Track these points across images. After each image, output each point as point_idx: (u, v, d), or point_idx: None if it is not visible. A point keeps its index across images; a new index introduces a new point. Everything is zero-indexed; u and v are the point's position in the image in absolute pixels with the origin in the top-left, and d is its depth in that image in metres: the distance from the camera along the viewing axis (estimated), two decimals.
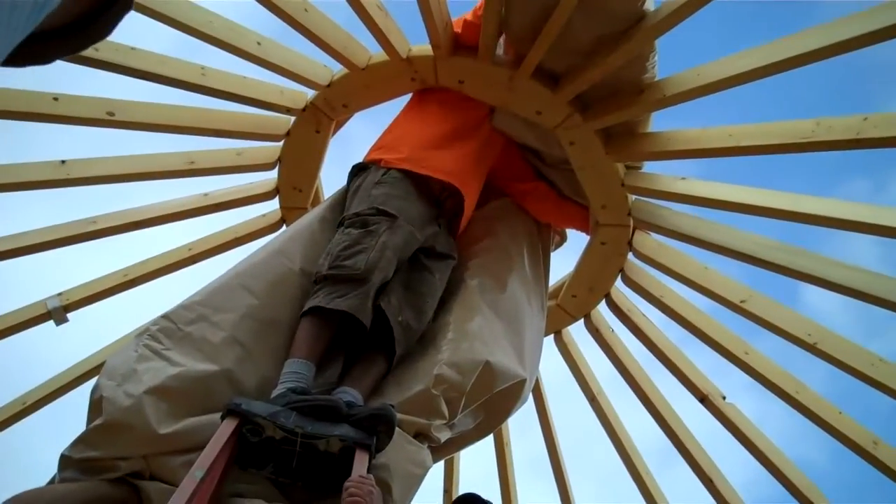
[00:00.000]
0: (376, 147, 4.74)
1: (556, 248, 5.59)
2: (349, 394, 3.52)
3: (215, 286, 3.86)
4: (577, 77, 4.40)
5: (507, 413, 4.29)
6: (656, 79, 4.43)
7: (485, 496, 4.01)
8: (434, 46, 4.52)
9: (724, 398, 5.48)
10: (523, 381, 4.14)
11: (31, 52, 0.88)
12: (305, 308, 3.75)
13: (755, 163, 7.09)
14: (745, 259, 4.79)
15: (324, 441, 3.22)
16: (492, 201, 5.09)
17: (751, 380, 5.27)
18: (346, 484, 2.99)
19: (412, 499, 3.51)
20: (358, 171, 4.55)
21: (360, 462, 3.16)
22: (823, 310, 6.94)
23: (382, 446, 3.31)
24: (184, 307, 3.71)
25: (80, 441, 3.28)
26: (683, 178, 4.85)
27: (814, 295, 4.90)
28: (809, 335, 4.84)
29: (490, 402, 4.02)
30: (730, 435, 5.52)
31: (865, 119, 3.94)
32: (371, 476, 3.10)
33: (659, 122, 4.82)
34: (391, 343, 3.82)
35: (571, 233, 5.65)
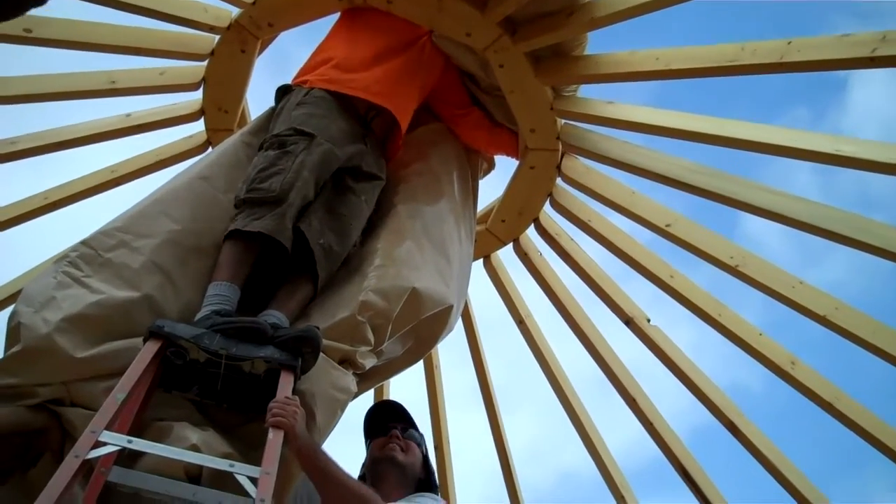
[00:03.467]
0: (303, 69, 4.64)
1: (483, 176, 5.58)
2: (274, 316, 3.50)
3: (136, 211, 3.77)
4: None
5: (434, 340, 4.31)
6: (585, 0, 4.40)
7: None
8: None
9: (648, 321, 5.58)
10: (450, 308, 4.15)
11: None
12: (225, 232, 3.69)
13: (705, 90, 7.12)
14: (672, 184, 4.84)
15: (248, 363, 3.20)
16: (424, 125, 5.04)
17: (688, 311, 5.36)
18: (270, 405, 2.99)
19: (336, 424, 3.52)
20: (283, 93, 4.45)
21: (285, 384, 3.16)
22: (762, 239, 7.09)
23: (308, 368, 3.30)
24: (104, 233, 3.63)
25: None
26: (611, 102, 4.86)
27: (753, 224, 4.98)
28: (731, 258, 4.93)
29: (417, 328, 4.03)
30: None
31: (789, 43, 3.98)
32: (296, 397, 3.11)
33: (602, 46, 4.81)
34: (315, 266, 3.79)
35: (501, 158, 5.64)
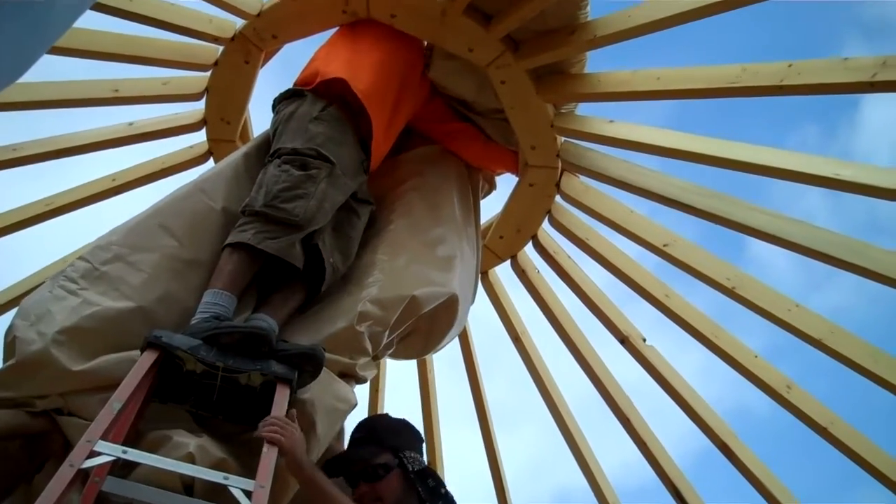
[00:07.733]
0: (305, 73, 4.59)
1: (484, 196, 5.56)
2: (265, 321, 3.49)
3: (133, 224, 3.77)
4: (509, 15, 4.38)
5: (442, 333, 4.34)
6: (588, 19, 4.43)
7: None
8: None
9: (644, 340, 5.57)
10: (454, 298, 4.18)
11: None
12: (232, 241, 3.67)
13: (717, 107, 7.12)
14: (670, 204, 4.83)
15: (245, 375, 3.21)
16: (419, 147, 5.07)
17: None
18: (268, 419, 2.99)
19: (335, 434, 3.54)
20: (290, 95, 4.41)
21: (281, 397, 3.16)
22: (769, 262, 7.04)
23: (304, 384, 3.31)
24: (100, 247, 3.63)
25: None
26: (611, 121, 4.88)
27: (760, 247, 4.95)
28: (728, 279, 4.92)
29: (423, 322, 4.12)
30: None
31: (790, 66, 3.99)
32: (296, 425, 3.07)
33: (602, 64, 4.84)
34: (314, 280, 3.82)
35: (501, 175, 5.65)
